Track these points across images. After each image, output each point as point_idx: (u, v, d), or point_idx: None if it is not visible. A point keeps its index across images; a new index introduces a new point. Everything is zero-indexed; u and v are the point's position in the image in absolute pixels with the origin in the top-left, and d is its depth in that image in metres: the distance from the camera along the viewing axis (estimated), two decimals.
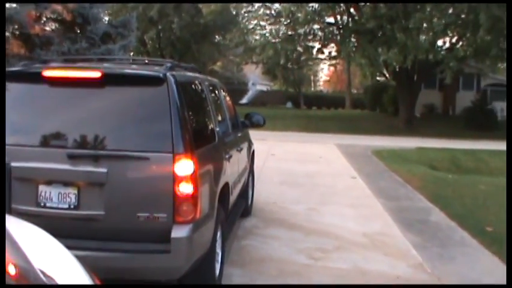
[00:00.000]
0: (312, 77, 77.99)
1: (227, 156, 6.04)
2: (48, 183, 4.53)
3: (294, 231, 7.77)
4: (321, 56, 36.44)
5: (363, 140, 23.69)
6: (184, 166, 4.40)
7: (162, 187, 4.41)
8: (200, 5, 36.37)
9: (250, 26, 33.81)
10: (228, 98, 7.63)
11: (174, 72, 4.81)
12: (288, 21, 30.64)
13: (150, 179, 4.47)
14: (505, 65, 31.99)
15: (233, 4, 33.84)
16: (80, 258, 2.83)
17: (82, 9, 14.92)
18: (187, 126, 4.58)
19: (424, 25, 28.90)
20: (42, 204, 4.53)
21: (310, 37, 33.26)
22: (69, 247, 2.97)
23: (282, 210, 9.09)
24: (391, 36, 28.05)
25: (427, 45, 26.88)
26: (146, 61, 7.01)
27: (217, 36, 44.53)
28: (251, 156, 8.76)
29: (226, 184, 5.75)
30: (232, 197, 6.49)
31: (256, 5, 31.88)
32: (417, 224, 8.51)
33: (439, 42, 31.11)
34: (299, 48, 33.30)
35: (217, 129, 5.87)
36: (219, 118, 6.36)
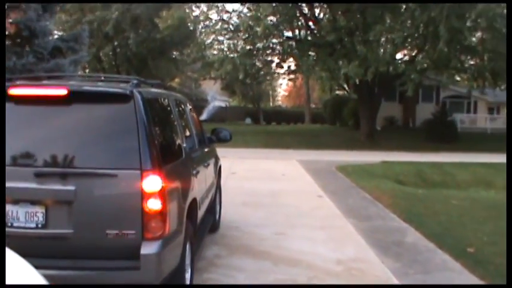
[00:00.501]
0: (270, 92, 77.61)
1: (194, 172, 6.04)
2: (15, 202, 4.48)
3: (261, 260, 6.98)
4: (279, 70, 35.86)
5: (325, 155, 23.11)
6: (153, 182, 4.39)
7: (131, 204, 4.40)
8: (157, 20, 35.42)
9: (208, 41, 32.97)
10: (194, 114, 7.66)
11: (140, 89, 4.81)
12: (247, 35, 29.97)
13: (119, 196, 4.46)
14: (462, 76, 32.01)
15: (190, 18, 32.91)
16: (49, 278, 2.75)
17: (28, 22, 13.99)
18: (154, 142, 4.59)
19: (383, 38, 28.69)
20: (9, 224, 4.46)
21: (268, 51, 32.79)
22: (37, 267, 2.85)
23: (247, 235, 8.30)
24: (351, 49, 27.67)
25: (388, 57, 26.56)
26: (102, 78, 7.04)
27: (174, 52, 43.79)
28: (218, 171, 8.82)
29: (194, 200, 5.73)
30: (200, 212, 6.48)
31: (214, 19, 31.08)
32: (394, 247, 7.81)
33: (399, 55, 30.97)
34: (258, 63, 32.76)
35: (184, 145, 5.90)
36: (186, 134, 6.40)
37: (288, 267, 6.71)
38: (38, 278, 2.71)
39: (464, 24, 25.38)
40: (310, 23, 31.47)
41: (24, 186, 4.46)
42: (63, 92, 4.61)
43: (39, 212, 4.45)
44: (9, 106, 4.69)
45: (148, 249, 4.32)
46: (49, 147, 4.60)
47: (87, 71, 41.98)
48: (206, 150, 7.68)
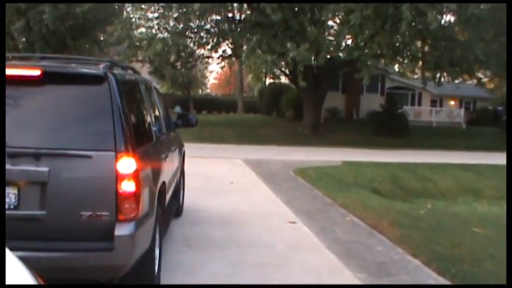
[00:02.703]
0: (200, 79, 73.73)
1: (163, 156, 6.04)
2: None
3: None
4: (214, 54, 31.77)
5: (272, 152, 19.61)
6: (127, 164, 4.36)
7: (105, 185, 4.36)
8: None
9: (136, 17, 28.47)
10: (161, 98, 7.60)
11: (114, 71, 4.81)
12: (179, 12, 25.81)
13: (93, 178, 4.41)
14: (418, 65, 28.89)
15: None
16: (22, 259, 2.58)
17: None
18: (128, 124, 4.55)
19: (338, 18, 25.38)
20: None
21: (203, 34, 28.90)
22: (10, 248, 2.71)
23: None
24: (300, 30, 24.16)
25: (342, 40, 23.09)
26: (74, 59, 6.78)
27: (99, 33, 39.11)
28: (182, 157, 8.79)
29: (164, 183, 5.68)
30: (168, 196, 6.44)
31: None
32: None
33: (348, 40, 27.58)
34: (191, 45, 28.84)
35: (154, 128, 5.94)
36: (155, 117, 6.41)
37: None
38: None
39: (431, 6, 22.31)
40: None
41: None
42: (36, 72, 4.52)
43: (11, 193, 4.33)
44: None
45: (122, 230, 4.26)
46: (22, 127, 4.48)
47: None
48: (172, 134, 7.73)
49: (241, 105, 53.34)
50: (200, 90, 77.51)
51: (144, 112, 5.69)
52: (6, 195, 4.30)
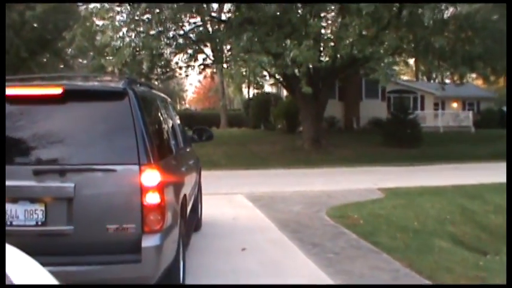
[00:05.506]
0: (177, 93, 69.33)
1: (183, 169, 6.09)
2: (14, 201, 4.33)
3: None
4: (194, 63, 27.12)
5: (279, 180, 15.33)
6: (151, 177, 4.32)
7: (130, 198, 4.32)
8: None
9: (100, 23, 23.63)
10: (176, 113, 7.54)
11: (133, 86, 4.75)
12: (150, 16, 21.16)
13: (118, 191, 4.38)
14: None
15: None
16: (52, 274, 2.52)
17: None
18: (150, 138, 4.52)
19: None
20: (8, 223, 4.31)
21: (181, 40, 24.46)
22: (41, 264, 2.67)
23: None
24: (298, 26, 19.80)
25: (354, 35, 18.60)
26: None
27: (61, 45, 34.42)
28: (199, 171, 8.65)
29: (185, 195, 5.70)
30: (188, 208, 6.42)
31: None
32: None
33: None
34: (166, 52, 24.37)
35: (173, 142, 5.98)
36: (173, 131, 6.38)
37: None
38: (46, 276, 2.50)
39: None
40: None
41: (23, 185, 4.29)
42: (58, 90, 4.51)
43: (38, 210, 4.30)
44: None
45: (149, 242, 4.22)
46: (47, 145, 4.53)
47: None
48: (188, 149, 7.61)
49: (224, 119, 48.95)
50: (179, 106, 73.29)
51: (163, 126, 5.69)
52: (34, 211, 4.28)
